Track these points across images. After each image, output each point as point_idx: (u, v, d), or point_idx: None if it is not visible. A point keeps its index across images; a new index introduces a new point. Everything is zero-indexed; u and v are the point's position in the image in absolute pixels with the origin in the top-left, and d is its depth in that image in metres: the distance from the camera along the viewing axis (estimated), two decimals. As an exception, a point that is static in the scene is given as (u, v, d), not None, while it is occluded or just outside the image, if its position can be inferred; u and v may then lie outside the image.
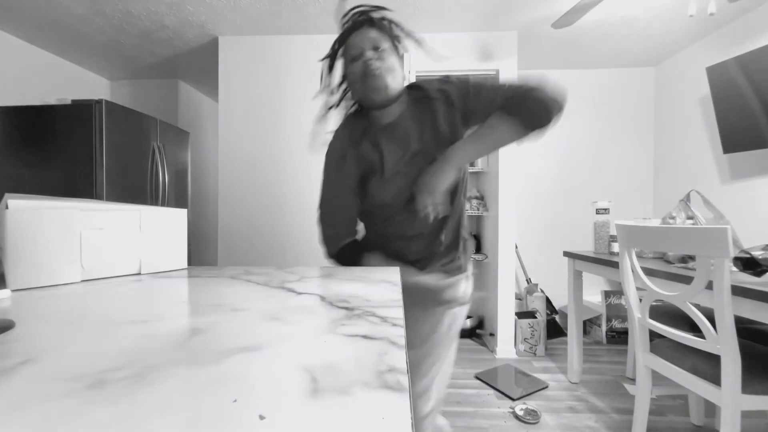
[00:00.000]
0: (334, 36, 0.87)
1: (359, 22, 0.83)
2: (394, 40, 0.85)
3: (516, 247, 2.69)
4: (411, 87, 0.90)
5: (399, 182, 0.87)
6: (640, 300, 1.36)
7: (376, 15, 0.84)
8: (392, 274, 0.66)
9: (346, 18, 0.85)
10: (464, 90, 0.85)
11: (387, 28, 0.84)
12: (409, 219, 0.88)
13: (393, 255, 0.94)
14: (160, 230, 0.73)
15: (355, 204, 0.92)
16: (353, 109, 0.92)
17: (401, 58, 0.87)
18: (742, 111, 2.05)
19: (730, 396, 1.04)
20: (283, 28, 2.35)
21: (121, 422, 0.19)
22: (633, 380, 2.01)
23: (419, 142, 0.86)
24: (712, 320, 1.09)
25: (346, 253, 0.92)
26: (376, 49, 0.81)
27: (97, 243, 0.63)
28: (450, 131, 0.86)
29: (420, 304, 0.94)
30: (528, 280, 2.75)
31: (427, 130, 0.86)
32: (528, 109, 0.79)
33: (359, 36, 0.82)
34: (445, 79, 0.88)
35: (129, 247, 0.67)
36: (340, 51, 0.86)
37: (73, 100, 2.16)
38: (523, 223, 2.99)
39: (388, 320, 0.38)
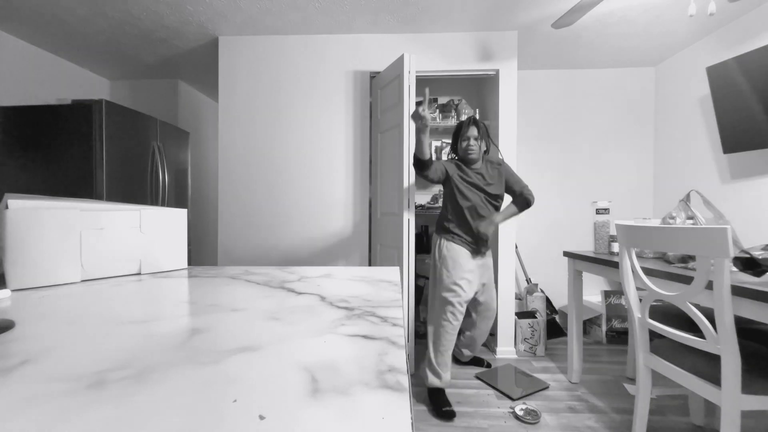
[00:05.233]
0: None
1: (470, 120, 1.87)
2: (484, 136, 1.88)
3: (516, 247, 2.69)
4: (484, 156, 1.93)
5: (472, 198, 1.83)
6: (640, 300, 1.36)
7: (480, 121, 1.88)
8: (392, 274, 0.66)
9: (467, 120, 1.88)
10: (509, 172, 1.94)
11: (482, 129, 1.87)
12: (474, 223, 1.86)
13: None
14: (160, 230, 0.73)
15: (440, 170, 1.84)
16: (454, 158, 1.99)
17: (486, 142, 1.91)
18: (742, 111, 2.05)
19: (730, 396, 1.04)
20: (283, 28, 2.35)
21: (121, 422, 0.19)
22: (633, 380, 2.01)
23: (486, 184, 1.86)
24: (712, 320, 1.09)
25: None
26: (475, 138, 1.83)
27: (97, 243, 0.63)
28: (500, 187, 1.90)
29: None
30: (528, 280, 2.75)
31: (495, 180, 1.89)
32: (524, 205, 1.95)
33: (470, 129, 1.85)
34: (501, 161, 1.95)
35: (129, 247, 0.67)
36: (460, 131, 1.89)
37: (73, 100, 2.16)
38: (523, 223, 2.99)
39: (388, 320, 0.38)
